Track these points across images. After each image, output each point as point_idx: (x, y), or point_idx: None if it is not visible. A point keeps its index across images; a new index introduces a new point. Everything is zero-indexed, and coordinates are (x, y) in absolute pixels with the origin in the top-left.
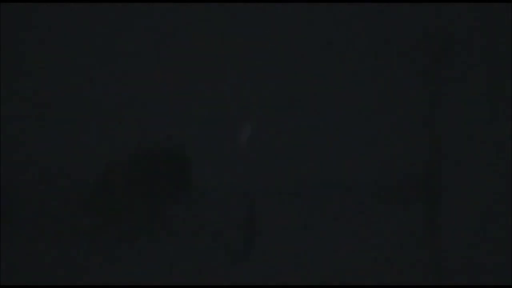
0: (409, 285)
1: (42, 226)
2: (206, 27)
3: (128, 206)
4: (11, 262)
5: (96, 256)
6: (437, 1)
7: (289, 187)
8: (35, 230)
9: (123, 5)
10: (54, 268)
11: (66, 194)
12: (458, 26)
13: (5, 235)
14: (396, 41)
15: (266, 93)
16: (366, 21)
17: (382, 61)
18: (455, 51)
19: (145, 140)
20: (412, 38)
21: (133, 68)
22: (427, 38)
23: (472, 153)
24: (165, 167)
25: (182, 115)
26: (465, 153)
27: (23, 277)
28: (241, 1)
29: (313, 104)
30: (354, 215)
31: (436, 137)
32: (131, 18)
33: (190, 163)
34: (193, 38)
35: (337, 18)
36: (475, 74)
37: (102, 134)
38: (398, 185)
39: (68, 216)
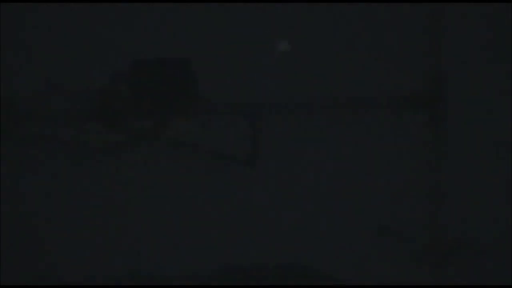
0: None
1: (44, 139)
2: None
3: (132, 116)
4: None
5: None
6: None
7: (296, 101)
8: (37, 144)
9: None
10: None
11: (70, 105)
12: None
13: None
14: None
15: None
16: None
17: None
18: None
19: (151, 50)
20: None
21: None
22: None
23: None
24: (171, 78)
25: (191, 26)
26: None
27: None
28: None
29: (319, 23)
30: (361, 128)
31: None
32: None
33: (196, 75)
34: None
35: None
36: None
37: (106, 43)
38: (404, 97)
39: (72, 125)
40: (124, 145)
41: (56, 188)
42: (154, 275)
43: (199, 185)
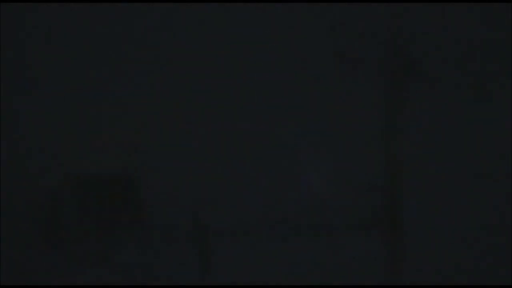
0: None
1: None
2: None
3: (76, 235)
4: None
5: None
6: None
7: (247, 223)
8: None
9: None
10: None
11: (15, 222)
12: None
13: None
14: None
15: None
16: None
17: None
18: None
19: (94, 166)
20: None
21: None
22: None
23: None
24: (114, 195)
25: (132, 140)
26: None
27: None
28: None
29: (263, 118)
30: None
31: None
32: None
33: (140, 190)
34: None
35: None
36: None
37: (48, 159)
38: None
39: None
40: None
41: None
42: None
43: None
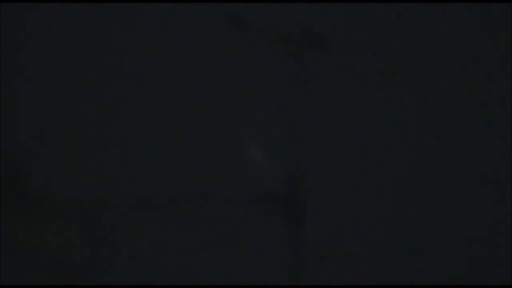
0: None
1: None
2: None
3: None
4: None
5: None
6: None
7: (145, 197)
8: None
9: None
10: None
11: None
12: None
13: None
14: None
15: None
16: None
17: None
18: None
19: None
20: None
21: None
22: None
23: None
24: None
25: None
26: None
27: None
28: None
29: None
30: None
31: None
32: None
33: (27, 165)
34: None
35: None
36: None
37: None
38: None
39: None
40: None
41: None
42: None
43: None
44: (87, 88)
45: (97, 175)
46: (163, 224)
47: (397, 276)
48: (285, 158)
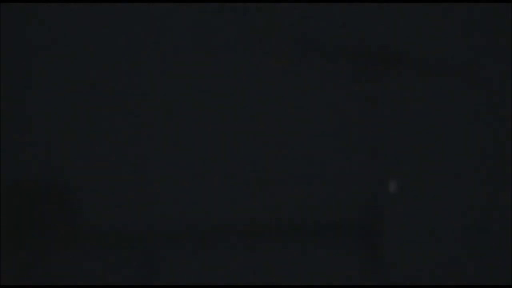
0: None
1: None
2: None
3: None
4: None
5: None
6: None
7: (205, 230)
8: None
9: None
10: None
11: None
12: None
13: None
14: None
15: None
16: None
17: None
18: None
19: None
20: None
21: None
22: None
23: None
24: (44, 205)
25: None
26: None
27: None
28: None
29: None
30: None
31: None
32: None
33: (76, 199)
34: None
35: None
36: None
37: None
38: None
39: None
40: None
41: None
42: None
43: None
44: (109, 105)
45: (143, 206)
46: (233, 253)
47: None
48: (361, 185)
